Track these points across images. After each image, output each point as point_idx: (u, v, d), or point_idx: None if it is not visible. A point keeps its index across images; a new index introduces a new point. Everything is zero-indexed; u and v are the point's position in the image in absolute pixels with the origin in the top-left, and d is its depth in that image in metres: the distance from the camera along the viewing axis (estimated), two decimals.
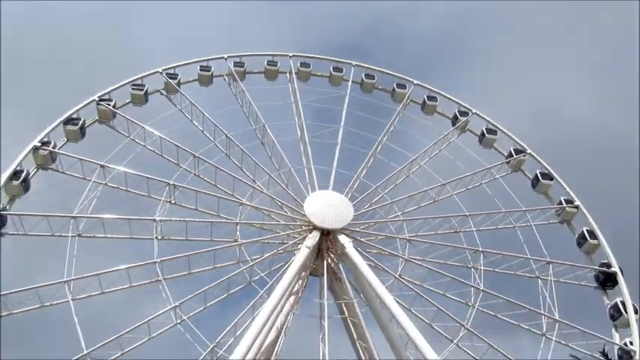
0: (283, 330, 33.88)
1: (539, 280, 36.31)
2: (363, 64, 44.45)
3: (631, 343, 34.01)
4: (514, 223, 38.45)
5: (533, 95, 72.10)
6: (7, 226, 32.10)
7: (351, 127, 40.77)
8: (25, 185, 33.22)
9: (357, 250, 34.56)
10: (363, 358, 34.09)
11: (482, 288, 35.04)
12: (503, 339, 34.33)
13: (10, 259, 31.51)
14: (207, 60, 41.82)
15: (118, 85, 38.63)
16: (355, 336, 34.52)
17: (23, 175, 33.00)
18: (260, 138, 39.38)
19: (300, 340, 35.21)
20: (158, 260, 32.66)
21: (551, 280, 36.10)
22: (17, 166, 33.18)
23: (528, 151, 41.77)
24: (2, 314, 30.04)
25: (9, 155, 33.17)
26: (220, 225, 34.92)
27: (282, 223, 36.17)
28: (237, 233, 34.69)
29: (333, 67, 43.87)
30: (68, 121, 36.13)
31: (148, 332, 31.06)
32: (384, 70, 44.59)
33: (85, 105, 37.19)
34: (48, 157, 34.48)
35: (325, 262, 35.14)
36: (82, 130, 36.43)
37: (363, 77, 43.76)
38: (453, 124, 42.98)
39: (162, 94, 40.32)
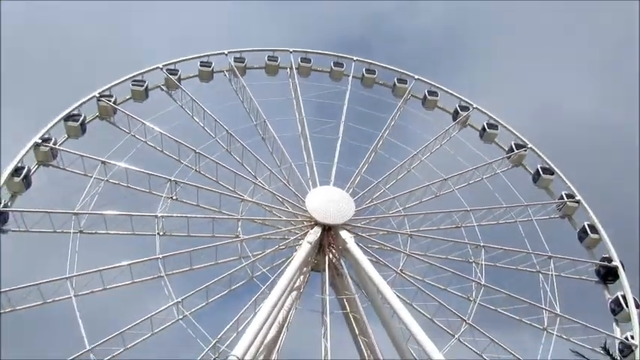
0: (285, 325, 33.93)
1: (541, 275, 36.35)
2: (363, 59, 44.36)
3: (632, 337, 34.08)
4: (515, 218, 38.45)
5: (533, 94, 72.20)
6: (9, 222, 32.18)
7: (351, 123, 40.78)
8: (27, 182, 33.22)
9: (358, 245, 34.55)
10: (364, 353, 34.20)
11: (483, 283, 35.12)
12: (504, 333, 34.50)
13: (12, 255, 31.57)
14: (208, 55, 41.70)
15: (118, 81, 38.58)
16: (357, 331, 34.60)
17: (24, 171, 33.00)
18: (261, 134, 39.33)
19: (302, 335, 35.37)
20: (160, 256, 32.70)
21: (552, 275, 36.16)
22: (18, 162, 33.18)
23: (529, 146, 41.73)
24: (5, 311, 30.15)
25: (9, 155, 33.17)
26: (222, 221, 34.92)
27: (284, 218, 36.17)
28: (239, 229, 34.70)
29: (333, 63, 43.77)
30: (69, 117, 36.10)
31: (151, 328, 31.10)
32: (385, 65, 44.52)
33: (86, 101, 37.16)
34: (49, 154, 34.46)
35: (327, 258, 35.19)
36: (83, 127, 36.42)
37: (364, 72, 43.66)
38: (454, 118, 42.92)
39: (162, 89, 40.23)
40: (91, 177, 34.20)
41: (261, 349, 31.43)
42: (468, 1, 75.92)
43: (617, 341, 34.38)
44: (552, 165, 41.14)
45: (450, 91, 43.71)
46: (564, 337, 34.22)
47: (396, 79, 43.67)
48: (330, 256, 35.61)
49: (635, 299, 35.61)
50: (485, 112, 43.02)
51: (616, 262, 37.22)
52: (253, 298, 32.62)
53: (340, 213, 35.26)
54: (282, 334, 33.98)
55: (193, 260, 33.41)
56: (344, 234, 34.73)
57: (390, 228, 37.10)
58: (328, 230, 35.23)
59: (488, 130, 42.04)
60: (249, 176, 36.74)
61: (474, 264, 35.99)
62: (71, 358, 29.27)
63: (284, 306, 33.16)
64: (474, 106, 43.03)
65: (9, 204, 32.54)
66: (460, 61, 78.13)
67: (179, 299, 31.87)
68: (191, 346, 30.90)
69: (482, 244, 36.49)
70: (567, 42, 77.28)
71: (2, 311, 30.10)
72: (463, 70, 75.12)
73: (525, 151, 41.66)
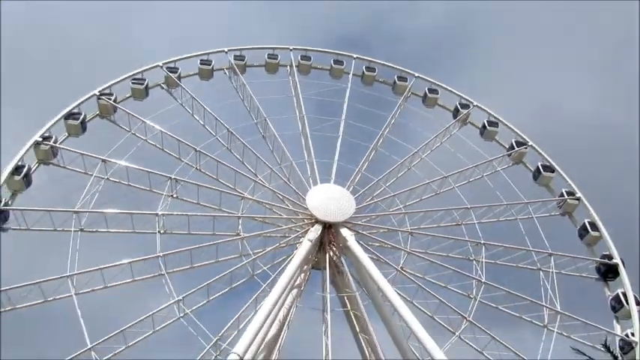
0: (286, 323, 33.96)
1: (541, 272, 36.39)
2: (363, 57, 44.30)
3: (632, 334, 34.12)
4: (515, 216, 38.47)
5: (534, 93, 72.43)
6: (10, 221, 32.20)
7: (352, 120, 40.80)
8: (27, 180, 33.23)
9: (359, 243, 34.60)
10: (365, 350, 34.23)
11: (484, 280, 35.14)
12: (505, 331, 34.55)
13: (13, 254, 31.58)
14: (208, 54, 41.67)
15: (118, 80, 38.54)
16: (358, 329, 34.63)
17: (25, 170, 33.02)
18: (261, 132, 39.32)
19: (302, 333, 35.39)
20: (161, 254, 32.72)
21: (552, 272, 36.19)
22: (19, 161, 33.19)
23: (530, 144, 41.73)
24: (6, 309, 30.17)
25: (9, 155, 33.16)
26: (222, 219, 34.95)
27: (284, 216, 36.19)
28: (240, 227, 34.72)
29: (333, 60, 43.73)
30: (69, 115, 36.10)
31: (152, 326, 31.16)
32: (385, 63, 44.45)
33: (86, 99, 37.13)
34: (49, 152, 34.47)
35: (327, 256, 35.21)
36: (83, 125, 36.41)
37: (364, 70, 43.61)
38: (454, 116, 42.89)
39: (162, 88, 40.19)
40: (92, 175, 34.20)
41: (261, 347, 31.45)
42: (469, 1, 76.07)
43: (617, 338, 34.40)
44: (553, 162, 41.14)
45: (451, 89, 43.69)
46: (565, 334, 34.27)
47: (396, 77, 43.62)
48: (331, 253, 35.63)
49: (635, 296, 35.63)
50: (486, 109, 43.00)
51: (616, 260, 37.24)
52: (254, 296, 32.64)
53: (341, 211, 35.28)
54: (283, 332, 34.01)
55: (194, 258, 33.47)
56: (344, 232, 34.75)
57: (391, 226, 37.15)
58: (329, 228, 35.24)
59: (488, 127, 42.02)
60: (249, 174, 36.74)
61: (474, 261, 36.01)
62: (73, 356, 29.34)
63: (285, 304, 33.18)
64: (475, 103, 43.01)
65: (9, 202, 32.56)
66: (460, 61, 78.45)
67: (180, 297, 31.90)
68: (192, 343, 31.02)
69: (482, 242, 36.50)
70: (567, 42, 77.49)
71: (3, 310, 30.13)
72: (463, 71, 75.39)
73: (526, 148, 41.64)
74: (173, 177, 35.05)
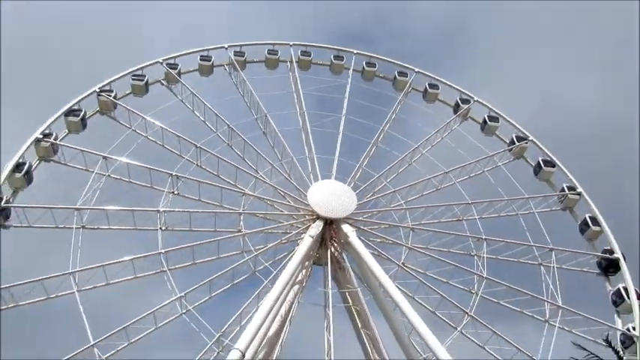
0: (288, 319, 34.01)
1: (542, 267, 36.41)
2: (363, 52, 44.22)
3: (634, 329, 34.20)
4: (517, 211, 38.48)
5: (534, 88, 72.52)
6: (11, 218, 32.17)
7: (352, 116, 40.75)
8: (28, 177, 33.19)
9: (360, 239, 34.60)
10: (367, 346, 34.31)
11: (485, 275, 35.19)
12: (506, 326, 34.63)
13: (15, 251, 31.58)
14: (208, 50, 41.58)
15: (118, 76, 38.47)
16: (359, 324, 34.67)
17: (26, 167, 32.98)
18: (262, 128, 39.25)
19: (304, 328, 35.42)
20: (163, 251, 32.71)
21: (553, 267, 36.23)
22: (19, 158, 33.15)
23: (530, 139, 41.69)
24: (9, 306, 30.21)
25: (10, 155, 33.08)
26: (224, 215, 34.92)
27: (286, 212, 36.18)
28: (241, 223, 34.72)
29: (333, 56, 43.63)
30: (69, 112, 36.03)
31: (154, 322, 31.19)
32: (385, 58, 44.38)
33: (86, 96, 37.06)
34: (50, 149, 34.42)
35: (329, 252, 35.21)
36: (84, 122, 36.34)
37: (364, 65, 43.52)
38: (455, 111, 42.84)
39: (162, 84, 40.14)
40: (93, 172, 34.15)
41: (263, 343, 31.51)
42: (469, 1, 76.06)
43: (618, 333, 34.50)
44: (554, 157, 41.12)
45: (451, 84, 43.63)
46: (566, 329, 34.34)
47: (396, 72, 43.55)
48: (332, 249, 35.64)
49: (636, 291, 35.67)
50: (486, 104, 42.96)
51: (617, 254, 37.28)
52: (256, 292, 32.71)
53: (342, 207, 35.28)
54: (285, 328, 34.07)
55: (196, 255, 33.48)
56: (346, 228, 34.75)
57: (392, 221, 37.14)
58: (330, 224, 35.24)
59: (489, 122, 41.98)
60: (250, 170, 36.69)
61: (475, 257, 36.04)
62: (76, 352, 29.39)
63: (286, 300, 33.22)
64: (475, 98, 42.95)
65: (11, 200, 32.53)
66: (460, 61, 78.46)
67: (182, 294, 31.91)
68: (194, 340, 31.06)
69: (483, 237, 36.53)
70: (568, 40, 77.56)
71: (6, 306, 30.17)
72: (463, 71, 75.34)
73: (526, 143, 41.62)
74: (174, 173, 35.01)
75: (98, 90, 37.34)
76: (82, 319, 30.08)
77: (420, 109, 43.35)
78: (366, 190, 37.34)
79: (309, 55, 43.11)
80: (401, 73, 43.43)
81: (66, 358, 29.34)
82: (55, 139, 34.75)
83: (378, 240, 36.28)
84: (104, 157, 34.61)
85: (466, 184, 39.16)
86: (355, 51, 44.02)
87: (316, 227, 34.51)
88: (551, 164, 40.80)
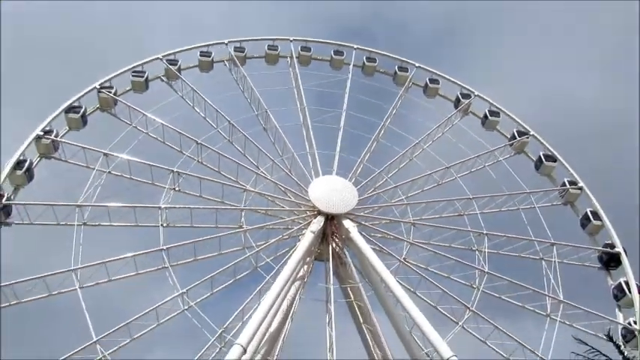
0: (290, 315, 34.07)
1: (544, 262, 36.42)
2: (364, 47, 44.10)
3: (635, 323, 34.25)
4: (518, 205, 38.49)
5: (535, 83, 72.45)
6: (13, 215, 32.18)
7: (353, 111, 40.67)
8: (29, 175, 33.20)
9: (361, 234, 34.61)
10: (369, 341, 34.38)
11: (486, 270, 35.21)
12: (507, 320, 34.74)
13: (17, 249, 31.60)
14: (208, 45, 41.46)
15: (118, 72, 38.39)
16: (361, 319, 34.75)
17: (26, 164, 32.98)
18: (262, 123, 39.21)
19: (306, 324, 35.48)
20: (164, 247, 32.76)
21: (555, 262, 36.25)
22: (20, 155, 33.12)
23: (531, 133, 41.64)
24: (12, 303, 30.26)
25: (9, 154, 33.02)
26: (225, 211, 34.97)
27: (287, 208, 36.19)
28: (242, 219, 34.78)
29: (334, 51, 43.51)
30: (70, 109, 36.02)
31: (156, 319, 31.29)
32: (386, 53, 44.27)
33: (86, 93, 37.01)
34: (50, 146, 34.42)
35: (330, 247, 35.24)
36: (84, 118, 36.34)
37: (365, 60, 43.41)
38: (456, 106, 42.76)
39: (162, 80, 40.05)
40: (94, 169, 34.17)
41: (265, 338, 31.57)
42: (470, 1, 75.94)
43: (619, 327, 34.55)
44: (555, 152, 41.08)
45: (452, 79, 43.52)
46: (567, 323, 34.42)
47: (397, 67, 43.44)
48: (334, 245, 35.66)
49: (637, 285, 35.67)
50: (487, 99, 42.86)
51: (618, 249, 37.28)
52: (258, 288, 32.89)
53: (343, 202, 35.26)
54: (287, 323, 34.14)
55: (197, 251, 33.54)
56: (347, 223, 34.74)
57: (393, 217, 37.17)
58: (331, 219, 35.28)
59: (490, 117, 41.90)
60: (251, 166, 36.70)
61: (477, 252, 36.05)
62: (78, 349, 29.45)
63: (288, 295, 33.26)
64: (476, 93, 42.86)
65: (12, 197, 32.52)
66: (460, 56, 78.39)
67: (184, 290, 32.01)
68: (197, 336, 31.16)
69: (485, 232, 36.52)
70: (567, 42, 77.57)
71: (8, 304, 30.21)
72: (462, 71, 75.34)
73: (527, 138, 41.56)
74: (175, 170, 35.01)
75: (98, 87, 37.30)
76: (85, 316, 30.17)
77: (420, 104, 43.42)
78: (367, 186, 37.33)
79: (309, 51, 43.00)
80: (401, 68, 43.32)
81: (69, 354, 29.40)
82: (56, 136, 34.76)
83: (380, 235, 36.32)
84: (105, 154, 34.61)
85: (467, 179, 39.22)
86: (355, 46, 43.92)
87: (317, 223, 34.51)
88: (553, 159, 40.76)
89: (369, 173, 37.80)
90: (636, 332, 33.74)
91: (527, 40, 78.34)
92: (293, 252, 33.47)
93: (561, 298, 34.90)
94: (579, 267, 37.49)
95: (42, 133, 34.21)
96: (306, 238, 33.67)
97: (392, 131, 40.63)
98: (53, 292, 31.08)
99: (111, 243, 34.23)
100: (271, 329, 32.08)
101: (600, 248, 37.91)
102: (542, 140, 41.55)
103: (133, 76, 38.65)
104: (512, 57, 77.41)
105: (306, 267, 35.17)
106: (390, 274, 32.74)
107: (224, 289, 33.13)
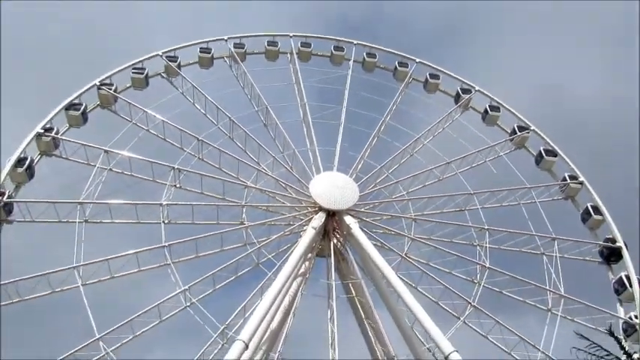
0: (292, 311, 34.14)
1: (545, 257, 36.47)
2: (364, 43, 44.03)
3: (636, 317, 34.33)
4: (519, 200, 38.50)
5: (535, 77, 72.45)
6: (14, 213, 32.19)
7: (353, 107, 40.62)
8: (30, 172, 33.21)
9: (362, 230, 34.62)
10: (371, 337, 34.47)
11: (487, 265, 35.27)
12: (509, 315, 34.85)
13: (19, 246, 31.62)
14: (207, 42, 41.39)
15: (118, 69, 38.33)
16: (363, 315, 34.83)
17: (27, 162, 32.97)
18: (263, 120, 39.17)
19: (308, 320, 35.59)
20: (166, 244, 32.80)
21: (556, 256, 36.30)
22: (21, 153, 33.10)
23: (532, 128, 41.61)
24: (14, 300, 30.33)
25: (9, 154, 32.97)
26: (226, 208, 34.98)
27: (288, 204, 36.21)
28: (244, 216, 34.83)
29: (334, 47, 43.44)
30: (70, 106, 35.97)
31: (159, 315, 31.36)
32: (386, 49, 44.20)
33: (86, 90, 36.94)
34: (51, 144, 34.40)
35: (332, 243, 35.29)
36: (84, 116, 36.30)
37: (365, 56, 43.34)
38: (456, 101, 42.72)
39: (162, 77, 40.01)
40: (95, 166, 34.16)
41: (267, 334, 31.66)
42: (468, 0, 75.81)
43: (620, 321, 34.64)
44: (555, 146, 41.08)
45: (452, 74, 43.46)
46: (568, 317, 34.46)
47: (397, 63, 43.36)
48: (335, 241, 35.72)
49: (638, 279, 35.75)
50: (487, 94, 42.82)
51: (619, 243, 37.32)
52: (260, 285, 32.88)
53: (344, 198, 35.27)
54: (288, 320, 34.21)
55: (199, 248, 33.58)
56: (348, 219, 34.76)
57: (394, 212, 37.20)
58: (332, 216, 35.29)
59: (490, 112, 41.86)
60: (252, 163, 36.67)
61: (478, 247, 36.11)
62: (81, 346, 29.54)
63: (290, 291, 33.31)
64: (476, 88, 42.80)
65: (13, 195, 32.53)
66: (460, 52, 78.24)
67: (186, 287, 32.05)
68: (199, 332, 31.25)
69: (486, 227, 36.56)
70: (568, 36, 77.37)
71: (10, 301, 30.28)
72: (462, 71, 75.14)
73: (528, 133, 41.53)
74: (176, 167, 35.01)
75: (98, 83, 37.23)
76: (87, 313, 30.22)
77: (421, 99, 43.32)
78: (368, 182, 37.34)
79: (309, 47, 42.91)
80: (401, 64, 43.25)
81: (72, 351, 29.49)
82: (56, 133, 34.73)
83: (381, 231, 36.36)
84: (106, 151, 34.59)
85: (468, 175, 39.21)
86: (355, 42, 43.82)
87: (319, 219, 34.52)
88: (553, 153, 40.76)
89: (369, 169, 37.87)
90: (637, 326, 33.84)
91: (527, 40, 78.34)
92: (294, 248, 33.46)
93: (562, 293, 34.97)
94: (580, 262, 37.56)
95: (42, 131, 34.18)
96: (308, 235, 33.68)
97: (392, 127, 40.66)
98: (56, 290, 31.14)
99: (113, 240, 34.33)
100: (273, 325, 32.18)
101: (601, 243, 37.93)
102: (542, 135, 41.55)
103: (133, 72, 38.59)
104: (513, 57, 77.51)
105: (307, 263, 35.19)
106: (392, 269, 32.80)
107: (226, 286, 33.16)
